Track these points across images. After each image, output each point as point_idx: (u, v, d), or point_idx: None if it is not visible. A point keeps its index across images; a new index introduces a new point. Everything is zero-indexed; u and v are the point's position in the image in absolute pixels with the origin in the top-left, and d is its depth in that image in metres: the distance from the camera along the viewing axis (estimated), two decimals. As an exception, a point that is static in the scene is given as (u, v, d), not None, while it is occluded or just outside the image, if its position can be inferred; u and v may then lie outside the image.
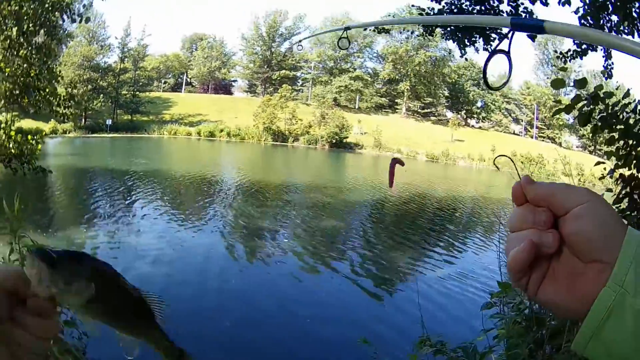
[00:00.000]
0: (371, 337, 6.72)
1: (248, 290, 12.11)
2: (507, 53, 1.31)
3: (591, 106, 4.34)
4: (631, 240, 0.70)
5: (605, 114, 4.36)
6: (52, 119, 48.30)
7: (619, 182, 4.84)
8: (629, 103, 4.56)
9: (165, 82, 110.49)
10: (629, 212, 4.66)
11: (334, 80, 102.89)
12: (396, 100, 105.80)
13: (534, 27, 1.19)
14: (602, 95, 4.31)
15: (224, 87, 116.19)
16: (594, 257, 0.72)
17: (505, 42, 1.30)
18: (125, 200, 22.20)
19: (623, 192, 4.80)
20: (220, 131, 75.96)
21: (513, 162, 1.05)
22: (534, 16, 9.50)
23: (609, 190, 5.12)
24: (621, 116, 4.49)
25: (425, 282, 13.97)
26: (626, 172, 4.76)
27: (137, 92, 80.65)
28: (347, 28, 2.74)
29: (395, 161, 1.81)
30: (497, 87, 1.53)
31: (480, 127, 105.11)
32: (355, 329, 9.67)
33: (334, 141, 76.76)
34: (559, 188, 0.77)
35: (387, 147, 78.89)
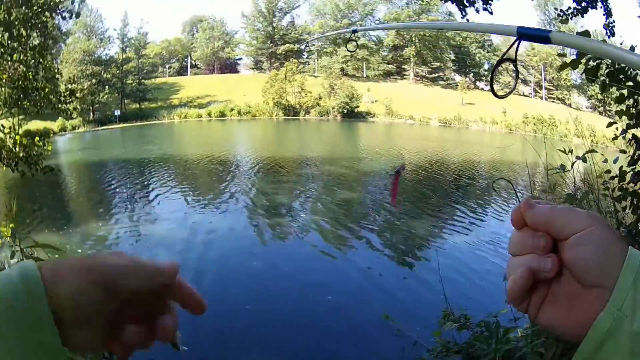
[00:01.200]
0: (394, 311, 7.47)
1: (270, 267, 12.36)
2: (514, 61, 1.35)
3: (597, 61, 4.19)
4: (631, 264, 0.70)
5: (612, 69, 4.24)
6: (59, 117, 48.39)
7: (632, 143, 4.73)
8: None
9: (170, 67, 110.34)
10: (646, 175, 4.42)
11: (339, 50, 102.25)
12: (403, 67, 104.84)
13: (540, 37, 1.16)
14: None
15: (230, 66, 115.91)
16: (594, 283, 0.71)
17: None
18: (141, 189, 22.57)
19: (637, 153, 4.66)
20: (231, 110, 76.07)
21: (512, 185, 0.96)
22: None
23: (623, 151, 5.01)
24: (629, 72, 4.32)
25: (446, 251, 14.05)
26: (639, 132, 4.64)
27: (143, 80, 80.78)
28: (355, 31, 2.78)
29: (399, 173, 1.63)
30: (503, 95, 1.51)
31: (490, 90, 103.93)
32: (378, 303, 9.74)
33: (346, 111, 76.60)
34: (558, 213, 0.75)
35: (398, 114, 78.51)
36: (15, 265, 0.73)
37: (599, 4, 8.49)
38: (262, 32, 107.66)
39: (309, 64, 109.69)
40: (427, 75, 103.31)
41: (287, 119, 75.03)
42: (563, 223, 0.74)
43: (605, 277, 0.70)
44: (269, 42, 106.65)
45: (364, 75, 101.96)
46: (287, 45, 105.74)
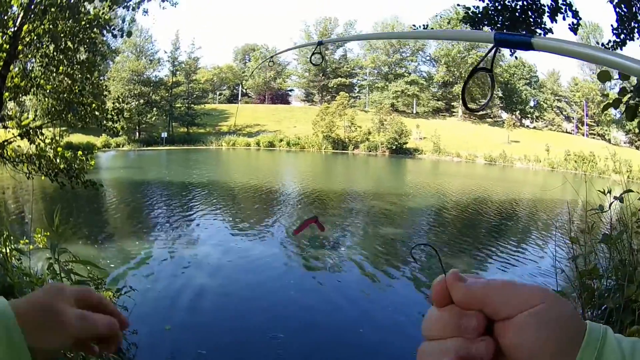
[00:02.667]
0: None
1: (305, 299, 12.15)
2: (490, 71, 1.20)
3: (637, 99, 4.23)
4: (591, 342, 0.62)
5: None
6: (103, 133, 49.30)
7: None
8: None
9: (220, 94, 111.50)
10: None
11: (390, 86, 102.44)
12: (452, 104, 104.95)
13: (521, 44, 1.07)
14: (645, 86, 4.10)
15: (281, 97, 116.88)
16: None
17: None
18: (181, 211, 22.56)
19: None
20: (280, 141, 76.84)
21: (437, 252, 0.82)
22: (573, 8, 9.47)
23: (658, 186, 5.08)
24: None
25: None
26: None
27: (192, 105, 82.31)
28: (320, 43, 2.61)
29: (314, 220, 1.38)
30: (476, 109, 1.50)
31: (534, 127, 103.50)
32: (411, 339, 9.42)
33: (394, 147, 76.57)
34: (497, 288, 0.66)
35: (446, 151, 78.28)
36: None
37: (636, 35, 8.50)
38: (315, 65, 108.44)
39: (359, 99, 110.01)
40: (475, 113, 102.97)
41: (335, 152, 75.22)
42: (504, 300, 0.64)
43: None
44: (320, 75, 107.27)
45: (414, 112, 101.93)
46: (339, 79, 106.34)
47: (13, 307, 0.89)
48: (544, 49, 1.03)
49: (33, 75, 10.17)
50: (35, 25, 9.17)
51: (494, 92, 1.28)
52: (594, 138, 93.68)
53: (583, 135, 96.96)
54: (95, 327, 0.97)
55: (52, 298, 0.94)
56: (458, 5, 12.46)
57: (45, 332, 0.90)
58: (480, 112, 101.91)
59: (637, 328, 3.86)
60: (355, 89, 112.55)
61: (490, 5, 10.32)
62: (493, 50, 1.13)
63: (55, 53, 9.91)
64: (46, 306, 0.92)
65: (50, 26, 9.34)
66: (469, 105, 1.28)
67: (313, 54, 2.60)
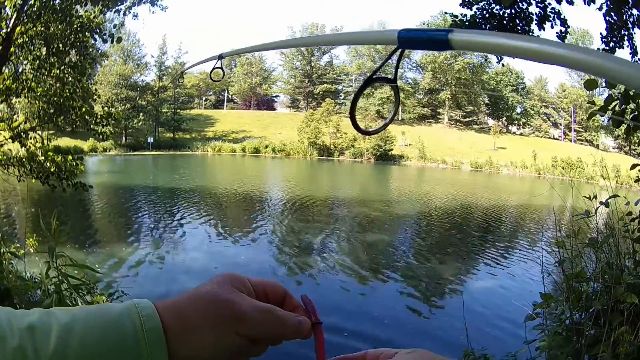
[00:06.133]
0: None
1: None
2: (394, 82, 0.89)
3: (623, 106, 4.24)
4: None
5: (637, 113, 4.23)
6: (90, 137, 49.16)
7: (654, 185, 4.78)
8: None
9: (206, 100, 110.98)
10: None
11: (376, 92, 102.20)
12: (438, 110, 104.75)
13: (434, 42, 0.69)
14: (632, 94, 4.15)
15: (267, 103, 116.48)
16: None
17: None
18: (168, 217, 22.43)
19: (658, 195, 4.68)
20: (265, 147, 76.50)
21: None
22: (561, 17, 9.43)
23: (645, 192, 5.15)
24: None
25: (471, 293, 13.99)
26: (662, 174, 4.64)
27: (178, 110, 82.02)
28: (220, 57, 2.24)
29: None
30: (372, 131, 1.09)
31: (521, 134, 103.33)
32: (402, 342, 9.50)
33: (379, 154, 76.42)
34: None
35: (431, 158, 78.19)
36: (127, 305, 0.70)
37: (626, 42, 8.54)
38: (300, 71, 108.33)
39: (345, 105, 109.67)
40: (461, 119, 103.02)
41: (321, 159, 74.92)
42: None
43: None
44: (306, 81, 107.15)
45: (399, 118, 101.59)
46: (325, 85, 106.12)
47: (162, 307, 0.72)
48: (468, 47, 0.66)
49: (24, 77, 10.13)
50: (27, 27, 9.13)
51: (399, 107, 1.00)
52: (581, 144, 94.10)
53: (570, 141, 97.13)
54: (283, 325, 0.79)
55: (222, 286, 0.76)
56: (445, 13, 12.41)
57: (208, 329, 0.70)
58: (466, 119, 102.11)
59: (626, 328, 3.90)
60: (341, 96, 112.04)
61: (478, 13, 10.25)
62: (397, 53, 0.83)
63: (47, 56, 9.88)
64: (213, 295, 0.75)
65: (43, 28, 9.31)
66: (362, 128, 0.99)
67: (214, 68, 2.23)
